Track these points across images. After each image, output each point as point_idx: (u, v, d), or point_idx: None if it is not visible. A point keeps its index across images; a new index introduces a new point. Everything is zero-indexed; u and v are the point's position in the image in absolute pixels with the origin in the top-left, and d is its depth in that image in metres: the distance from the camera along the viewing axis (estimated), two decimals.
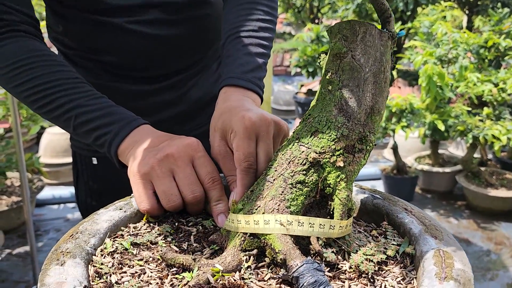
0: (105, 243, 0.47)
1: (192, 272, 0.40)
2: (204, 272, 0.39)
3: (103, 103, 0.61)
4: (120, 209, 0.53)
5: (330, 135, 0.44)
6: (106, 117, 0.59)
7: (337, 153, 0.44)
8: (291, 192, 0.43)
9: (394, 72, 3.82)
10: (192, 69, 0.83)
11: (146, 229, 0.51)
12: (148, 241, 0.48)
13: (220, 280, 0.39)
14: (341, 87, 0.45)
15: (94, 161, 0.83)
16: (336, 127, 0.44)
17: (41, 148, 2.85)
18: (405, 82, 4.32)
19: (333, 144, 0.44)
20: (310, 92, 3.91)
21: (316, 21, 7.85)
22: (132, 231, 0.50)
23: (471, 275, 0.41)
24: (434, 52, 2.90)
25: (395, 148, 2.59)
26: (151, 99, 0.80)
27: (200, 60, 0.84)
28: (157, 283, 0.41)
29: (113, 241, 0.48)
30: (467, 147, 2.58)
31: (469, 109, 2.54)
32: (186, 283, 0.39)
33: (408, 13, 4.50)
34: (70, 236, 0.46)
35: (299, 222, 0.43)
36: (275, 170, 0.44)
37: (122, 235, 0.49)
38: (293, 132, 0.47)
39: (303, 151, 0.44)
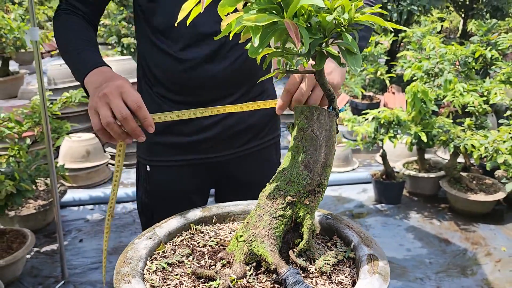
0: (148, 265, 0.68)
1: (216, 281, 0.64)
2: (225, 280, 0.63)
3: (81, 54, 0.94)
4: (150, 238, 0.74)
5: (299, 184, 0.69)
6: (78, 63, 0.94)
7: (304, 195, 0.69)
8: (275, 223, 0.68)
9: (387, 80, 4.06)
10: (230, 99, 1.05)
11: (170, 251, 0.73)
12: (177, 261, 0.69)
13: (236, 285, 0.63)
14: (305, 151, 0.70)
15: (148, 168, 1.09)
16: (303, 178, 0.69)
17: (60, 155, 3.11)
18: (398, 88, 4.56)
19: (301, 189, 0.69)
20: None
21: None
22: (162, 254, 0.72)
23: (389, 270, 0.66)
24: (422, 66, 3.14)
25: (383, 156, 2.84)
26: (191, 122, 1.04)
27: (238, 92, 1.05)
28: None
29: (151, 263, 0.69)
30: (450, 155, 2.83)
31: (451, 121, 2.77)
32: None
33: (403, 22, 4.72)
34: (124, 262, 0.66)
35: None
36: (263, 208, 0.69)
37: (155, 258, 0.71)
38: (273, 181, 0.72)
39: (281, 195, 0.69)
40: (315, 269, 0.68)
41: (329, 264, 0.69)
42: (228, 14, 0.58)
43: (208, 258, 0.71)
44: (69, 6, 1.01)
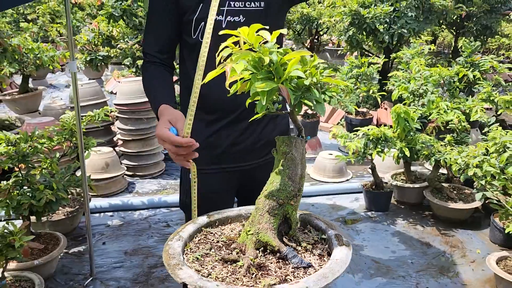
0: (185, 258, 0.95)
1: (240, 262, 0.96)
2: (246, 261, 0.96)
3: (157, 96, 1.29)
4: (178, 239, 0.99)
5: (286, 190, 1.02)
6: (153, 102, 1.30)
7: (290, 198, 1.02)
8: (273, 219, 1.01)
9: (379, 98, 4.40)
10: (254, 124, 1.39)
11: (195, 248, 1.00)
12: (204, 253, 0.98)
13: (254, 262, 0.95)
14: (288, 168, 1.03)
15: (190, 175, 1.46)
16: (288, 186, 1.02)
17: None
18: (390, 104, 4.90)
19: (288, 194, 1.02)
20: (306, 115, 4.47)
21: (315, 40, 8.43)
22: (190, 251, 0.99)
23: (350, 242, 0.99)
24: (408, 87, 3.49)
25: (373, 168, 3.17)
26: (226, 138, 1.39)
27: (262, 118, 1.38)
28: (226, 268, 0.95)
29: (186, 256, 0.90)
30: (432, 168, 3.16)
31: (432, 137, 3.10)
32: (241, 266, 0.95)
33: (394, 43, 5.06)
34: (169, 257, 0.88)
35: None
36: (262, 209, 1.02)
37: (187, 253, 0.97)
38: (266, 189, 1.05)
39: (275, 199, 1.02)
40: (301, 248, 1.01)
41: (310, 244, 1.02)
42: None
43: (225, 249, 1.03)
44: (151, 58, 1.37)
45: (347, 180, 3.78)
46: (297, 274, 0.91)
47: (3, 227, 2.10)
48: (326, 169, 3.77)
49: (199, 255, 0.96)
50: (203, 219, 1.12)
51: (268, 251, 0.98)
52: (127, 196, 3.45)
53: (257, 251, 0.97)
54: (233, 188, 1.50)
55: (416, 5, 4.76)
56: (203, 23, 1.30)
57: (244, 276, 0.89)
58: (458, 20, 7.60)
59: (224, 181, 1.45)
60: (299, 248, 1.00)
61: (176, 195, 3.44)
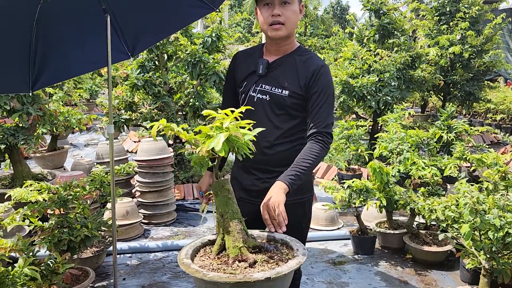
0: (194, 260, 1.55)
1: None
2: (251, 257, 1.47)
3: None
4: (191, 248, 1.61)
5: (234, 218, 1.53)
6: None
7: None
8: (241, 234, 1.53)
9: (366, 156, 4.96)
10: (276, 174, 1.82)
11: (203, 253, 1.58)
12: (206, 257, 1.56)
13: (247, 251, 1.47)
14: (230, 199, 1.56)
15: None
16: (235, 213, 1.54)
17: (106, 212, 3.96)
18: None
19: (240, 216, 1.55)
20: None
21: None
22: (198, 255, 1.56)
23: (307, 252, 1.50)
24: (387, 147, 4.06)
25: (358, 216, 3.66)
26: (248, 179, 1.90)
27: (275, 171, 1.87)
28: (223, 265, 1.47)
29: (195, 258, 1.54)
30: (408, 216, 3.64)
31: (405, 189, 3.62)
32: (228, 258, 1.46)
33: (381, 108, 5.69)
34: (184, 255, 1.51)
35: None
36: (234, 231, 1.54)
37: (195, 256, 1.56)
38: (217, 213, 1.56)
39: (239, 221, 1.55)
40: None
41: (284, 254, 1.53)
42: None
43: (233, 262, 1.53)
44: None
45: (338, 228, 4.24)
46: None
47: (48, 258, 2.59)
48: (320, 218, 4.24)
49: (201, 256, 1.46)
50: (207, 237, 1.62)
51: (258, 250, 1.48)
52: (143, 240, 3.93)
53: (249, 250, 1.45)
54: (256, 217, 1.86)
55: (398, 76, 5.47)
56: (243, 95, 1.89)
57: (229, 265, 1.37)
58: (445, 87, 8.35)
59: (245, 208, 1.84)
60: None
61: (187, 240, 3.91)
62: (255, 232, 1.58)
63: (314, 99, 1.76)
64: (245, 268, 1.34)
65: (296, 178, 1.62)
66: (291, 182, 1.60)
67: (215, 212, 1.47)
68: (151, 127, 1.40)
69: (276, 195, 1.57)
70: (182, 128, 1.38)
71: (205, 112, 1.39)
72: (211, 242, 1.56)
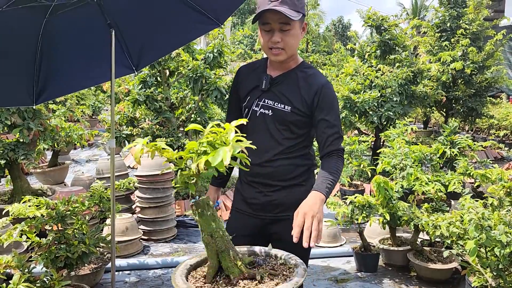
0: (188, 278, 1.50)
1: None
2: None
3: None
4: (186, 267, 1.57)
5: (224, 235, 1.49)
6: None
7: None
8: (234, 254, 1.49)
9: (369, 172, 4.91)
10: (278, 187, 1.82)
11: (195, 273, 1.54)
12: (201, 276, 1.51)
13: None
14: (213, 220, 1.52)
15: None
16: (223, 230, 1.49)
17: (106, 228, 3.91)
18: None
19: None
20: None
21: None
22: (192, 275, 1.53)
23: (306, 269, 1.45)
24: (390, 162, 4.02)
25: (360, 232, 3.59)
26: (251, 194, 1.88)
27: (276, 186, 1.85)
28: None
29: (188, 277, 1.50)
30: (412, 232, 3.57)
31: (409, 205, 3.56)
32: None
33: (383, 124, 5.67)
34: (177, 270, 1.46)
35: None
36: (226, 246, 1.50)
37: (189, 276, 1.52)
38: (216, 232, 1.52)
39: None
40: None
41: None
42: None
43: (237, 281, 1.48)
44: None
45: (341, 245, 4.17)
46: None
47: (44, 274, 2.54)
48: (322, 235, 4.17)
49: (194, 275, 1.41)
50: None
51: (251, 267, 1.43)
52: (143, 257, 3.86)
53: (248, 269, 1.42)
54: (254, 230, 1.88)
55: (400, 91, 5.46)
56: (246, 109, 1.89)
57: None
58: (447, 103, 8.34)
59: (246, 221, 1.89)
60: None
61: (186, 256, 3.84)
62: (242, 249, 1.53)
63: (323, 121, 1.77)
64: (256, 285, 1.30)
65: (329, 190, 1.64)
66: (327, 192, 1.62)
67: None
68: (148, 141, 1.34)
69: (319, 209, 1.56)
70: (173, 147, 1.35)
71: (190, 126, 1.32)
72: (193, 267, 1.47)
